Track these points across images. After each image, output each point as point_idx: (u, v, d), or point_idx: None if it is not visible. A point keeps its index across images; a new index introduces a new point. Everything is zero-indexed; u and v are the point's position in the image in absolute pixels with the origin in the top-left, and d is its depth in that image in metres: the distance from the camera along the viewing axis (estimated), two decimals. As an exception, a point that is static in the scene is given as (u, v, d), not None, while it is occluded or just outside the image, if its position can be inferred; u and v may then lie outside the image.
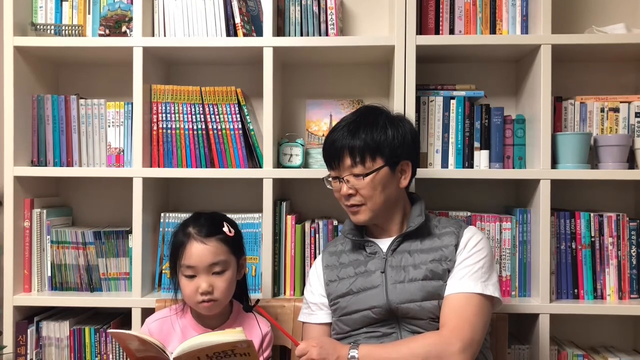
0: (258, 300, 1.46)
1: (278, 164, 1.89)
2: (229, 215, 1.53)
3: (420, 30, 1.83)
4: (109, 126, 1.88)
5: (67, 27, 1.91)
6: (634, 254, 1.80)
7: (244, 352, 1.20)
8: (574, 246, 1.80)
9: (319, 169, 1.84)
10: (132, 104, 1.82)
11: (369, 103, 1.54)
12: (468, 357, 1.25)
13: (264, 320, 1.47)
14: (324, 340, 1.33)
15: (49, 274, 1.88)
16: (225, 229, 1.42)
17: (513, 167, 1.85)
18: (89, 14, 1.95)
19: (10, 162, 1.82)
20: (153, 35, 1.87)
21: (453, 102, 1.83)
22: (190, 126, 1.83)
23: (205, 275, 1.37)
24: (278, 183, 1.88)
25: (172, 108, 1.83)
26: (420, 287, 1.36)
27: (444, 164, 1.83)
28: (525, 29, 1.83)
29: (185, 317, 1.46)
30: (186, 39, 1.83)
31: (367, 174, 1.40)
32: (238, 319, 1.48)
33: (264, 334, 1.47)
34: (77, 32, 1.92)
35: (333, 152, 1.43)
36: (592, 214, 1.80)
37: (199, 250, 1.37)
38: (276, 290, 1.84)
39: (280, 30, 1.89)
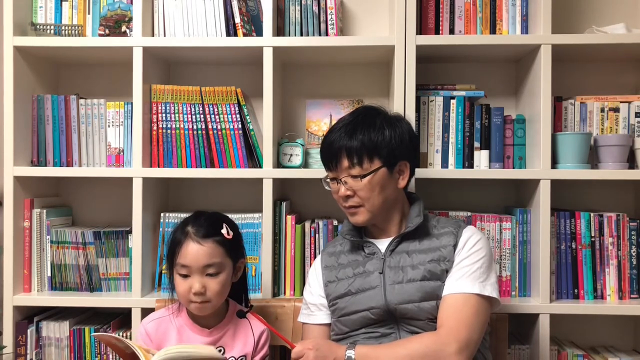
0: (252, 307, 1.46)
1: (278, 164, 1.89)
2: (229, 216, 1.52)
3: (420, 30, 1.83)
4: (109, 126, 1.88)
5: (67, 27, 1.91)
6: (634, 254, 1.80)
7: None
8: (574, 246, 1.80)
9: (319, 169, 1.83)
10: (132, 104, 1.82)
11: (368, 103, 1.54)
12: (465, 358, 1.25)
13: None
14: (321, 341, 1.33)
15: (49, 274, 1.88)
16: (224, 230, 1.41)
17: (513, 167, 1.85)
18: (88, 13, 1.95)
19: (10, 162, 1.82)
20: (153, 35, 1.87)
21: (453, 102, 1.83)
22: (190, 126, 1.83)
23: (199, 276, 1.37)
24: (278, 183, 1.88)
25: (172, 108, 1.83)
26: (419, 288, 1.36)
27: (444, 164, 1.83)
28: (525, 29, 1.83)
29: (181, 317, 1.46)
30: (186, 39, 1.83)
31: (364, 175, 1.39)
32: (234, 319, 1.47)
33: (260, 334, 1.47)
34: (77, 32, 1.92)
35: (331, 153, 1.43)
36: (592, 214, 1.80)
37: (194, 251, 1.37)
38: (276, 290, 1.84)
39: (280, 30, 1.89)
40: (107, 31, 1.87)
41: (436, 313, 1.34)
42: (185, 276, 1.38)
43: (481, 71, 2.02)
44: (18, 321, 1.82)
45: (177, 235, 1.42)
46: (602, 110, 1.85)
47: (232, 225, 1.46)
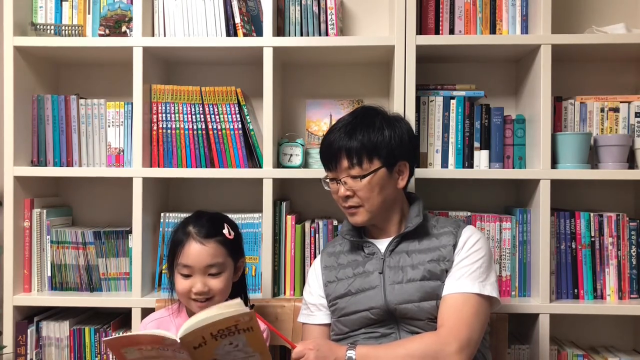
0: (253, 306, 1.46)
1: (278, 164, 1.89)
2: (229, 216, 1.52)
3: (420, 30, 1.83)
4: (109, 126, 1.88)
5: (67, 27, 1.91)
6: (634, 254, 1.80)
7: (247, 327, 1.16)
8: (574, 246, 1.80)
9: (319, 169, 1.83)
10: (132, 104, 1.82)
11: (368, 103, 1.54)
12: (465, 358, 1.25)
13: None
14: (321, 342, 1.33)
15: (49, 274, 1.88)
16: (225, 231, 1.41)
17: (513, 167, 1.85)
18: (89, 14, 1.95)
19: (10, 162, 1.82)
20: (153, 35, 1.87)
21: (453, 102, 1.83)
22: (190, 126, 1.83)
23: (201, 276, 1.37)
24: (278, 183, 1.88)
25: (172, 108, 1.83)
26: (419, 288, 1.36)
27: (444, 164, 1.83)
28: (525, 29, 1.83)
29: (181, 317, 1.46)
30: (186, 39, 1.83)
31: (364, 176, 1.39)
32: None
33: None
34: (77, 32, 1.92)
35: (330, 153, 1.43)
36: (592, 214, 1.80)
37: (196, 251, 1.37)
38: (276, 290, 1.84)
39: (280, 30, 1.89)
40: (107, 31, 1.87)
41: (436, 313, 1.34)
42: (187, 276, 1.38)
43: (481, 71, 2.02)
44: (18, 321, 1.82)
45: (178, 235, 1.42)
46: (602, 110, 1.85)
47: (232, 225, 1.47)
